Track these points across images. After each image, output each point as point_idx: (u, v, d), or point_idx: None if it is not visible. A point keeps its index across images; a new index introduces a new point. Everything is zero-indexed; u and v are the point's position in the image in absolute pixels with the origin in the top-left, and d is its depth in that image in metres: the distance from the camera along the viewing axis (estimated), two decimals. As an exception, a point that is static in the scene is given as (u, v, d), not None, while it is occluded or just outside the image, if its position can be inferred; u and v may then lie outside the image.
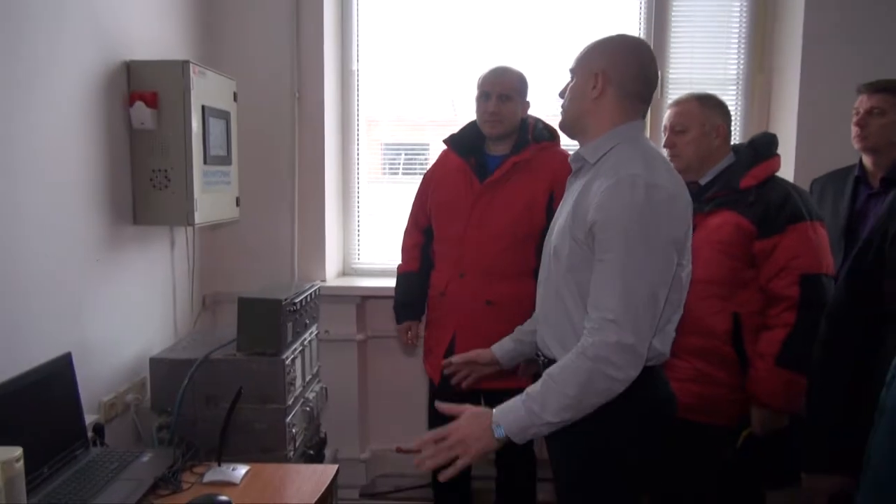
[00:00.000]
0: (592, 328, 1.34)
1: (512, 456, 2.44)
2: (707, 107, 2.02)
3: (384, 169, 3.18)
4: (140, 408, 2.14)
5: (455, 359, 1.86)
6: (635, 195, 1.34)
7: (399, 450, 3.08)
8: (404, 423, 2.96)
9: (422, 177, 2.56)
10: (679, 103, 2.07)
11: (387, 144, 3.18)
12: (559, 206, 1.61)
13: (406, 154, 3.18)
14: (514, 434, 1.35)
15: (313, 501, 1.52)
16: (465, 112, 2.95)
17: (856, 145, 2.31)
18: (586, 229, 1.38)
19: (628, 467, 1.45)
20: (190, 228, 2.51)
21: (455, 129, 2.47)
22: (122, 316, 2.14)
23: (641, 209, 1.33)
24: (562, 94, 1.57)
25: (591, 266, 1.38)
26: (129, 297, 2.18)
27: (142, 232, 2.22)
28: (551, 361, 1.48)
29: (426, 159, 3.09)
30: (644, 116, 1.56)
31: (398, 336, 2.64)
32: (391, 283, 2.61)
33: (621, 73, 1.47)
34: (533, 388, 1.37)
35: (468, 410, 1.39)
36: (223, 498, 1.49)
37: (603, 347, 1.31)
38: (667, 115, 2.09)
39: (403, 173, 3.15)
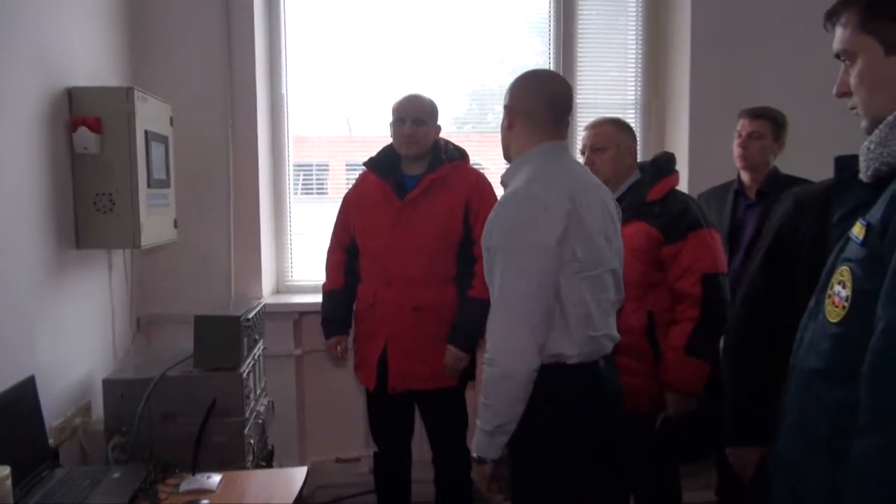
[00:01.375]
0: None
1: (446, 450, 2.60)
2: (621, 129, 2.30)
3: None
4: (88, 430, 2.14)
5: None
6: (508, 208, 1.57)
7: (339, 459, 3.21)
8: (342, 434, 3.07)
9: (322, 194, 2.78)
10: (596, 125, 2.33)
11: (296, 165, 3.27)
12: None
13: (305, 174, 3.28)
14: (480, 451, 1.58)
15: (291, 501, 1.62)
16: (360, 131, 3.24)
17: (738, 164, 2.66)
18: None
19: (557, 450, 1.61)
20: (128, 251, 2.53)
21: (352, 149, 2.74)
22: (66, 340, 2.14)
23: (512, 223, 1.55)
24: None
25: None
26: (71, 321, 2.18)
27: (83, 256, 2.23)
28: None
29: (325, 178, 3.29)
30: (562, 135, 1.73)
31: (327, 351, 2.75)
32: (325, 298, 2.71)
33: (526, 104, 1.69)
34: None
35: None
36: (205, 502, 1.57)
37: (490, 351, 1.54)
38: (585, 135, 2.35)
39: (303, 192, 3.24)
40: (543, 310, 1.54)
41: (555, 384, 1.58)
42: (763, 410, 1.57)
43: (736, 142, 2.64)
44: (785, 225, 1.67)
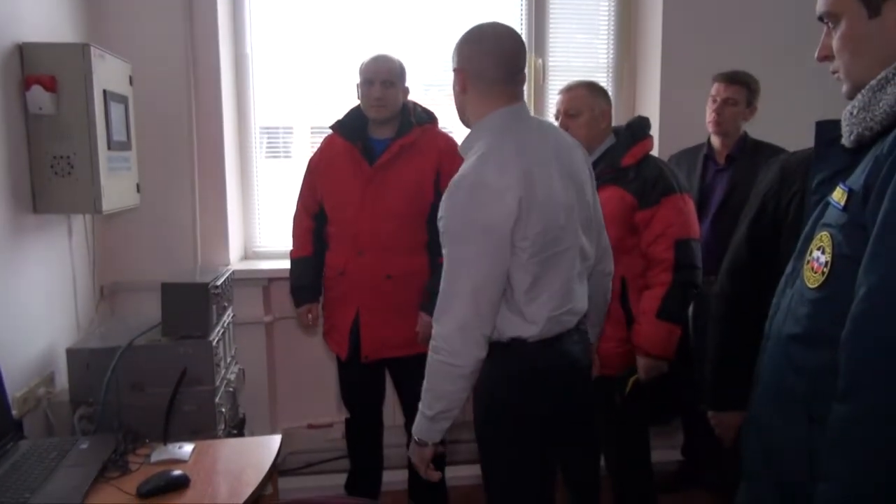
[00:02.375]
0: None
1: None
2: (595, 93, 2.27)
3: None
4: (52, 401, 2.08)
5: None
6: (458, 196, 1.49)
7: (311, 426, 3.20)
8: (313, 400, 3.06)
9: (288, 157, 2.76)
10: (570, 89, 2.30)
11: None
12: None
13: (270, 137, 3.19)
14: (419, 435, 1.58)
15: (266, 469, 1.60)
16: (326, 93, 3.07)
17: (710, 128, 2.67)
18: None
19: (515, 422, 1.61)
20: (88, 216, 2.44)
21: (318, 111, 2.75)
22: (26, 308, 2.06)
23: (462, 210, 1.49)
24: None
25: None
26: (31, 289, 2.10)
27: (41, 221, 2.14)
28: None
29: (291, 141, 3.19)
30: (518, 95, 1.64)
31: (298, 319, 2.71)
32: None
33: (476, 65, 1.59)
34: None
35: None
36: (178, 472, 1.54)
37: (436, 339, 1.51)
38: (559, 100, 2.32)
39: (268, 156, 3.15)
40: (492, 300, 1.50)
41: (513, 362, 1.58)
42: (747, 377, 1.59)
43: (710, 107, 2.64)
44: (770, 192, 1.67)
